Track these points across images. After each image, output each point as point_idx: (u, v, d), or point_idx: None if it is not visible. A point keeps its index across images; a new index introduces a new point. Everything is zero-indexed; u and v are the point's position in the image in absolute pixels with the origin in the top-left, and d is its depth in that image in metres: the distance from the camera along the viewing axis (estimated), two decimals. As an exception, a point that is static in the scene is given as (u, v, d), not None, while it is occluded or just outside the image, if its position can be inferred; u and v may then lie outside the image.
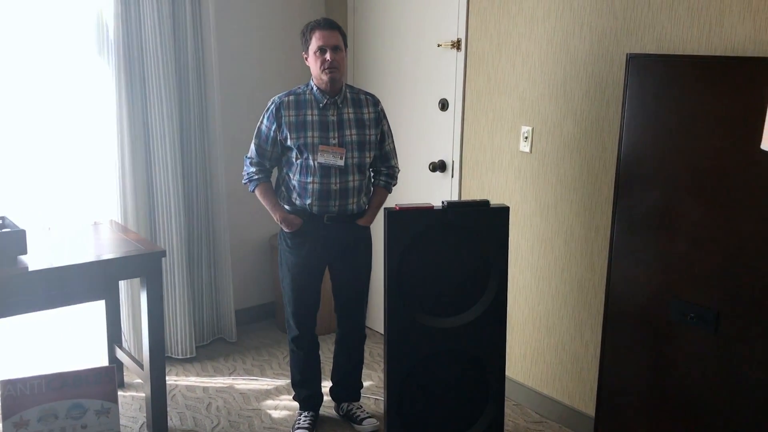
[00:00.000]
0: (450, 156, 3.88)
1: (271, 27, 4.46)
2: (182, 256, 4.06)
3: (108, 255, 3.17)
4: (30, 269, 2.93)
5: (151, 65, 3.81)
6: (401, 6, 4.06)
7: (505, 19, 3.47)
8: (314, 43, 3.08)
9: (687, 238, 2.59)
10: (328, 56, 3.06)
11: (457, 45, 3.73)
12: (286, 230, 3.21)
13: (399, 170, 3.39)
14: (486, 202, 2.94)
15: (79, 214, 3.87)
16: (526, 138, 3.45)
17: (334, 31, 3.10)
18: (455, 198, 3.86)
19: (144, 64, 3.82)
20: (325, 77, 3.08)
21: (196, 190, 4.16)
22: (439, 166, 3.92)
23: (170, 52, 3.85)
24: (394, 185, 3.37)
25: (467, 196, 3.80)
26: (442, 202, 2.91)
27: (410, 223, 2.87)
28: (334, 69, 3.07)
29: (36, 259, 3.02)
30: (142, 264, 3.19)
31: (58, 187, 3.85)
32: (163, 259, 3.44)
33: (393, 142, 3.35)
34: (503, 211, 2.94)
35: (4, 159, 3.69)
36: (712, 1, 2.67)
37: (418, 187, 4.08)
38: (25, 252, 3.01)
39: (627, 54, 2.72)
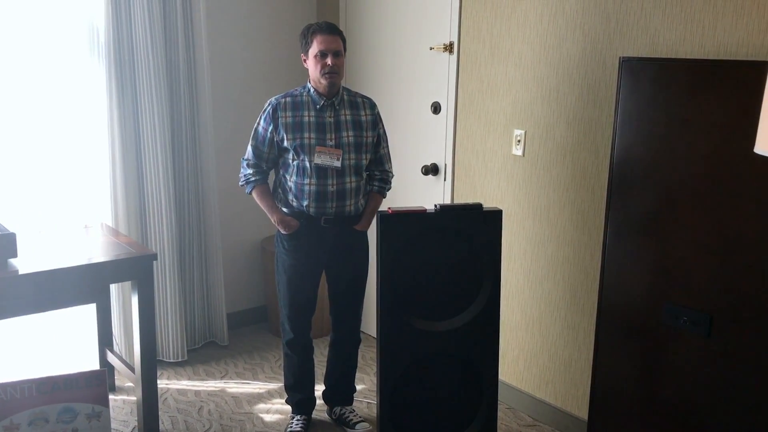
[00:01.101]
0: (442, 159, 3.88)
1: (262, 29, 4.45)
2: (173, 259, 4.05)
3: (99, 258, 3.15)
4: (20, 272, 2.90)
5: (142, 67, 3.79)
6: (393, 8, 4.06)
7: (497, 22, 3.47)
8: (315, 47, 3.07)
9: (680, 242, 2.60)
10: (329, 61, 3.05)
11: (449, 48, 3.73)
12: (283, 232, 3.20)
13: (393, 175, 3.39)
14: (479, 206, 2.93)
15: (70, 217, 3.85)
16: (519, 141, 3.45)
17: (336, 35, 3.09)
18: (447, 201, 3.86)
19: (135, 66, 3.81)
20: (324, 81, 3.08)
21: (188, 192, 4.14)
22: (432, 170, 3.92)
23: (161, 55, 3.84)
24: (389, 190, 3.37)
25: (459, 200, 3.80)
26: (435, 206, 2.91)
27: (403, 226, 2.86)
28: (334, 74, 3.07)
29: (26, 262, 3.00)
30: (133, 267, 3.17)
31: (48, 190, 3.83)
32: (154, 262, 3.42)
33: (388, 146, 3.35)
34: (496, 215, 2.94)
35: (-5, 161, 3.68)
36: (706, 4, 2.68)
37: (411, 191, 4.08)
38: (15, 255, 2.99)
39: (620, 57, 2.72)
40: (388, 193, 3.40)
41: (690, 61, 2.61)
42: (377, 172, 3.31)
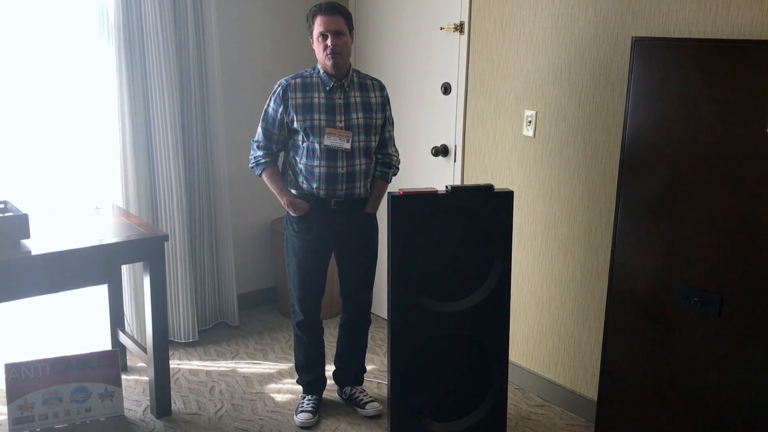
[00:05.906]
0: (452, 140, 3.87)
1: (272, 8, 4.43)
2: (184, 240, 4.06)
3: (110, 239, 3.17)
4: (33, 253, 2.93)
5: (152, 49, 3.78)
6: (404, -11, 4.04)
7: (508, 1, 3.44)
8: (316, 29, 3.07)
9: (691, 223, 2.59)
10: (329, 42, 3.05)
11: (459, 28, 3.71)
12: (293, 215, 3.20)
13: (398, 159, 3.36)
14: (490, 187, 2.93)
15: (81, 198, 3.86)
16: (530, 122, 3.44)
17: (336, 15, 3.07)
18: (457, 182, 3.85)
19: (144, 47, 3.80)
20: (328, 63, 3.07)
21: (198, 173, 4.15)
22: (442, 151, 3.91)
23: (171, 36, 3.83)
24: (394, 175, 3.35)
25: (469, 181, 3.79)
26: (446, 187, 2.90)
27: (414, 207, 2.86)
28: (336, 55, 3.06)
29: (39, 243, 3.02)
30: (144, 248, 3.19)
31: (60, 171, 3.84)
32: (165, 243, 3.44)
33: (393, 129, 3.34)
34: (507, 196, 2.93)
35: (6, 143, 3.68)
36: (719, -17, 2.66)
37: (420, 172, 4.07)
38: (27, 236, 3.01)
39: (632, 37, 2.70)
40: (397, 174, 3.39)
41: (703, 41, 2.59)
42: (380, 155, 3.29)
